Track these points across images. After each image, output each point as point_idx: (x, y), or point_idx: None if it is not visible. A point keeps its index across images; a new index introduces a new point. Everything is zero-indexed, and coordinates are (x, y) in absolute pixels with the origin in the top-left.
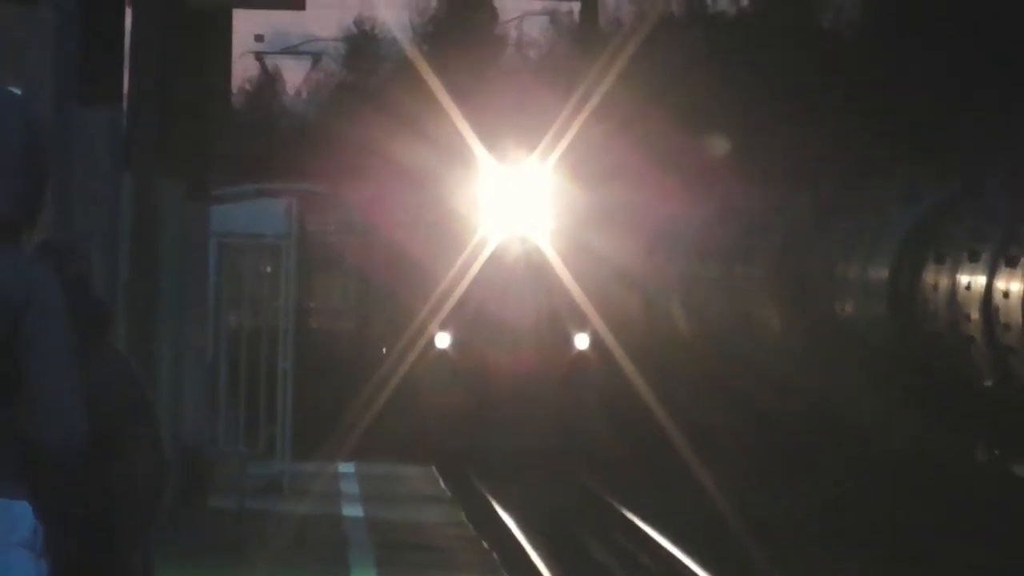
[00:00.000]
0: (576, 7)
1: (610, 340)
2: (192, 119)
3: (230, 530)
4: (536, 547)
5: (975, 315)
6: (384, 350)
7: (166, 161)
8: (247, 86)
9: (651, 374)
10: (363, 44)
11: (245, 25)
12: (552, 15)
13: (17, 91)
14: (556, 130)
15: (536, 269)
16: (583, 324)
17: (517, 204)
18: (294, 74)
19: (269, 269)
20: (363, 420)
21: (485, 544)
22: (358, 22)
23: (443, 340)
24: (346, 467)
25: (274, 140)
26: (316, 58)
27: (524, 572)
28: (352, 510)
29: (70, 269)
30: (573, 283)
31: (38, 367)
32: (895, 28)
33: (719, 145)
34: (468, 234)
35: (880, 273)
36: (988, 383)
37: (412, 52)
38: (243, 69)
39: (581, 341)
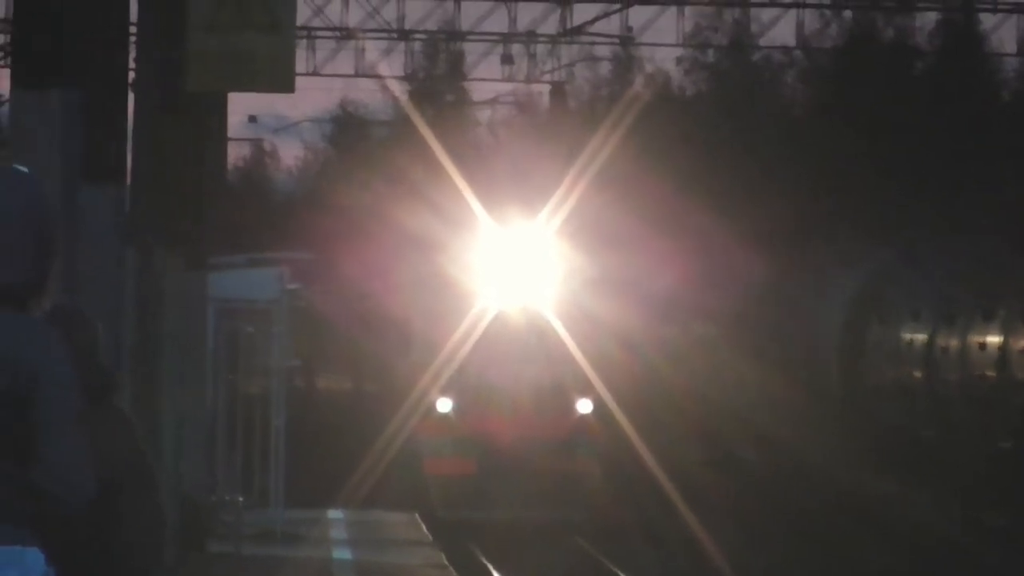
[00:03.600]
0: (546, 90)
1: (612, 405)
2: (190, 195)
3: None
4: None
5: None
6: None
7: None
8: (240, 163)
9: (651, 437)
10: (349, 123)
11: (239, 107)
12: (524, 98)
13: (24, 169)
14: (556, 199)
15: (539, 335)
16: (586, 389)
17: (520, 269)
18: (285, 152)
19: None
20: (365, 478)
21: None
22: (344, 103)
23: (444, 405)
24: (335, 514)
25: (267, 212)
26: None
27: None
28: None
29: (78, 335)
30: (575, 349)
31: (49, 428)
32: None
33: None
34: (471, 299)
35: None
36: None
37: (412, 112)
38: (238, 147)
39: (584, 406)
